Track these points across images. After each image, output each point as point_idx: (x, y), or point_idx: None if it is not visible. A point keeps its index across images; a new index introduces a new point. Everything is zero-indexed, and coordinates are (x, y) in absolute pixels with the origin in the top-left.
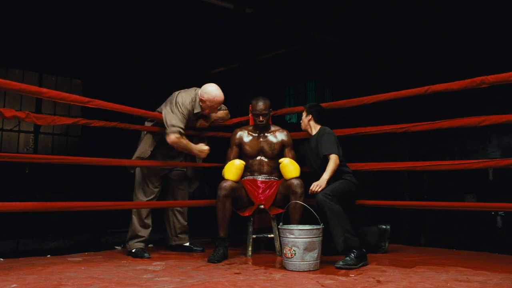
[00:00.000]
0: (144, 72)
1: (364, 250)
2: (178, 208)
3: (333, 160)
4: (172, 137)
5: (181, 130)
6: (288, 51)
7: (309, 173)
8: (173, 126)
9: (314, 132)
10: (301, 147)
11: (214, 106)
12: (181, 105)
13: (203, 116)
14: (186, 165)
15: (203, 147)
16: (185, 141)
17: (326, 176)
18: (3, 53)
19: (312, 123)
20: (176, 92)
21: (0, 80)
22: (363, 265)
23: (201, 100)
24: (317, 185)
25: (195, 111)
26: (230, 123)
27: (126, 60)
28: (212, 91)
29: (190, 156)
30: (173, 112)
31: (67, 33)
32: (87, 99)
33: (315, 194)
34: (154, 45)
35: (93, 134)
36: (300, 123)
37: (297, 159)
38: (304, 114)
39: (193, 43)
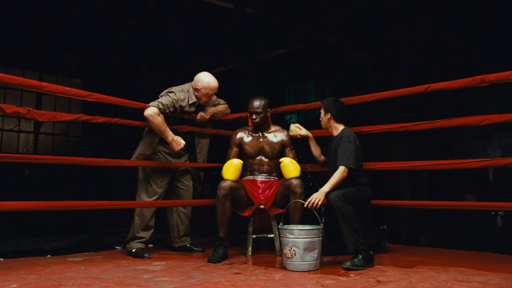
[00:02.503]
0: (144, 72)
1: (371, 252)
2: (182, 209)
3: (340, 172)
4: (148, 110)
5: (161, 107)
6: (288, 51)
7: (308, 173)
8: (155, 102)
9: (336, 133)
10: (323, 149)
11: (210, 92)
12: (170, 93)
13: (202, 107)
14: (186, 165)
15: (179, 140)
16: (161, 119)
17: (326, 188)
18: (3, 53)
19: (332, 122)
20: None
21: (0, 74)
22: (369, 267)
23: (195, 90)
24: (316, 199)
25: (191, 101)
26: (230, 117)
27: (126, 60)
28: (204, 78)
29: (193, 156)
30: (161, 96)
31: (67, 33)
32: (86, 92)
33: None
34: (154, 45)
35: (93, 134)
36: (320, 121)
37: (298, 159)
38: (322, 111)
39: (193, 43)
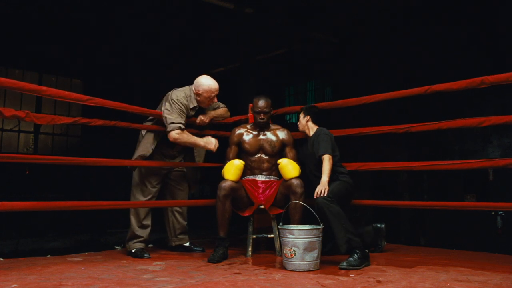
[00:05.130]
0: (144, 72)
1: (366, 250)
2: (177, 209)
3: (327, 161)
4: (173, 134)
5: (181, 126)
6: (288, 51)
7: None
8: (173, 123)
9: (311, 133)
10: (300, 151)
11: (211, 96)
12: (176, 101)
13: (201, 111)
14: (186, 166)
15: (210, 139)
16: (186, 135)
17: (325, 178)
18: (3, 53)
19: (310, 124)
20: (170, 91)
21: (0, 78)
22: (365, 266)
23: (196, 94)
24: (323, 188)
25: (192, 106)
26: (229, 121)
27: (126, 60)
28: (205, 82)
29: (189, 157)
30: (171, 110)
31: (66, 33)
32: (86, 97)
33: (318, 196)
34: (154, 45)
35: (93, 134)
36: (298, 125)
37: (298, 158)
38: (301, 115)
39: (193, 43)
